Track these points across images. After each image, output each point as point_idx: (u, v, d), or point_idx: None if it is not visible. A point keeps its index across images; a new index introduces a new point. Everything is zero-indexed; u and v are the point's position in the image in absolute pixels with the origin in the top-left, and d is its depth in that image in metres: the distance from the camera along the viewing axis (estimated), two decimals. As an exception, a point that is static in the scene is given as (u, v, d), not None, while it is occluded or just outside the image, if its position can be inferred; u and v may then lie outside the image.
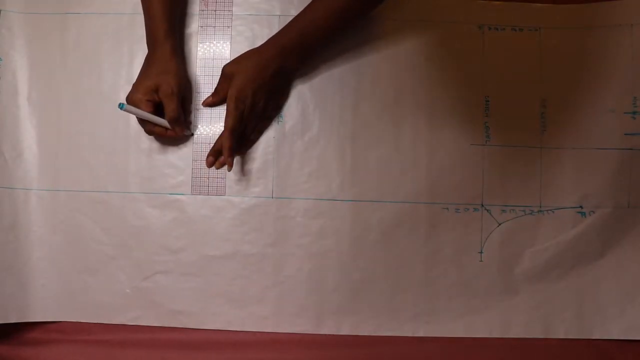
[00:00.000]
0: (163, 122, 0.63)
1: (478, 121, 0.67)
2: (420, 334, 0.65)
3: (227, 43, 0.68)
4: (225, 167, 0.63)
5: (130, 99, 0.62)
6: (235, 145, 0.63)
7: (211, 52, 0.69)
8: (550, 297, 0.65)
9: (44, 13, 0.69)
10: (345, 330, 0.66)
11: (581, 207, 0.66)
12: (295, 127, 0.68)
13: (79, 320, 0.67)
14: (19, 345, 0.67)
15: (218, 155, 0.66)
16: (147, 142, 0.68)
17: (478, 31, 0.68)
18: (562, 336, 0.64)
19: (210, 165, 0.66)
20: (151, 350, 0.66)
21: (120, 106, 0.60)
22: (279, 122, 0.68)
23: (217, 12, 0.69)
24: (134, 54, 0.68)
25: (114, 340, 0.67)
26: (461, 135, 0.67)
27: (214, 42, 0.69)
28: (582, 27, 0.68)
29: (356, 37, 0.68)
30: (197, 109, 0.68)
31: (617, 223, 0.66)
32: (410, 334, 0.65)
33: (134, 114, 0.62)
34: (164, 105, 0.62)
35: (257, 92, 0.62)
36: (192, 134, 0.68)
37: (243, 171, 0.67)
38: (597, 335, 0.64)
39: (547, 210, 0.66)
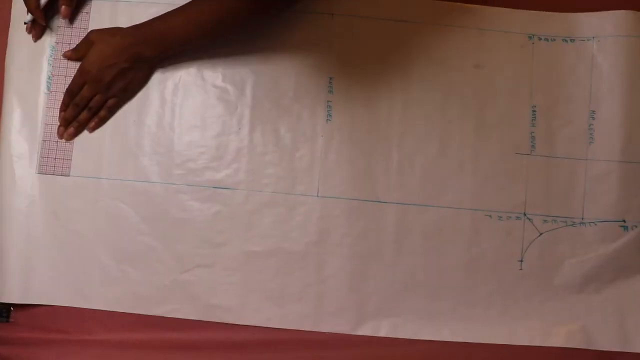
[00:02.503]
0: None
1: (524, 130, 0.68)
2: (459, 339, 0.65)
3: None
4: None
5: None
6: (73, 113, 0.67)
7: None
8: (589, 308, 0.66)
9: None
10: (383, 332, 0.66)
11: (624, 221, 0.66)
12: (343, 127, 0.68)
13: (117, 310, 0.66)
14: (19, 345, 0.66)
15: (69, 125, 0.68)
16: (193, 133, 0.68)
17: (528, 41, 0.69)
18: (605, 348, 0.65)
19: (59, 135, 0.68)
20: (151, 350, 0.66)
21: None
22: (328, 121, 0.68)
23: None
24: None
25: (114, 340, 0.66)
26: (507, 143, 0.68)
27: None
28: (637, 36, 0.68)
29: (401, 41, 0.68)
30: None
31: (659, 239, 0.66)
32: (449, 339, 0.65)
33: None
34: None
35: (106, 70, 0.64)
36: (45, 25, 0.68)
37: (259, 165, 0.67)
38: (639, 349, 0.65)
39: (589, 222, 0.67)
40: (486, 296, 0.66)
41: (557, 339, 0.65)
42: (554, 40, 0.69)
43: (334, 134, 0.68)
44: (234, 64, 0.69)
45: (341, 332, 0.66)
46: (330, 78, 0.68)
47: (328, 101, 0.68)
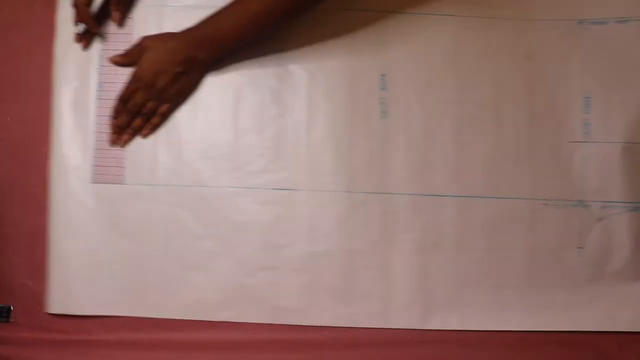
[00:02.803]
0: None
1: (578, 117, 0.68)
2: (526, 327, 0.66)
3: None
4: None
5: None
6: (127, 120, 0.66)
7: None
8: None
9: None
10: (452, 325, 0.66)
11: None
12: (398, 123, 0.68)
13: (181, 318, 0.66)
14: (19, 345, 0.66)
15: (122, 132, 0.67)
16: (249, 135, 0.67)
17: (577, 26, 0.69)
18: None
19: (112, 142, 0.67)
20: (151, 350, 0.66)
21: None
22: (383, 118, 0.68)
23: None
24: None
25: (114, 340, 0.66)
26: (561, 131, 0.68)
27: None
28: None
29: (451, 36, 0.68)
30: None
31: None
32: (516, 328, 0.66)
33: None
34: None
35: (160, 76, 0.64)
36: (99, 34, 0.67)
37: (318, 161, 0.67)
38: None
39: (650, 206, 0.67)
40: (549, 284, 0.66)
41: (622, 324, 0.66)
42: (606, 23, 0.69)
43: (390, 130, 0.67)
44: (287, 64, 0.68)
45: (410, 328, 0.66)
46: (383, 75, 0.68)
47: (382, 98, 0.68)
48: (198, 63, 0.65)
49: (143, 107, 0.66)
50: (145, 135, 0.67)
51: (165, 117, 0.67)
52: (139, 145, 0.68)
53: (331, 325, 0.66)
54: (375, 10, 0.69)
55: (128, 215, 0.67)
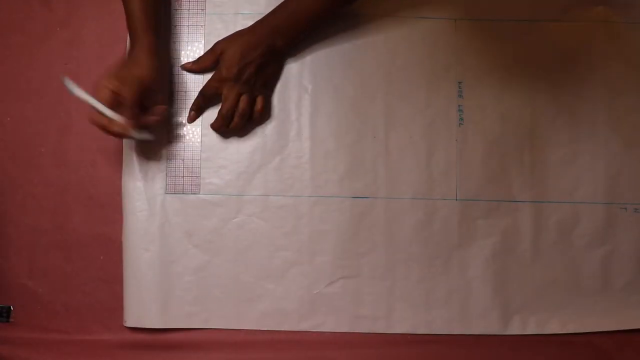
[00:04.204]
0: (108, 112, 0.57)
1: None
2: (603, 328, 0.66)
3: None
4: None
5: (97, 82, 0.59)
6: (223, 123, 0.65)
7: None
8: None
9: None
10: (531, 329, 0.66)
11: None
12: (475, 129, 0.68)
13: (259, 329, 0.65)
14: (19, 345, 0.66)
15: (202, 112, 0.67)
16: (328, 144, 0.67)
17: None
18: None
19: (189, 119, 0.67)
20: (151, 350, 0.66)
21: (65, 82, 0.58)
22: (460, 125, 0.68)
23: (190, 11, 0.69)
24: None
25: (114, 340, 0.66)
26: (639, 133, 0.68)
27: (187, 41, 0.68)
28: None
29: (527, 41, 0.68)
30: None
31: None
32: (594, 330, 0.66)
33: (76, 94, 0.58)
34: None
35: (245, 68, 0.64)
36: (151, 139, 0.63)
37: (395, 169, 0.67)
38: None
39: None
40: (625, 287, 0.67)
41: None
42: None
43: (467, 137, 0.68)
44: (364, 73, 0.68)
45: (490, 334, 0.66)
46: (459, 82, 0.68)
47: (459, 105, 0.68)
48: (277, 51, 0.65)
49: (237, 104, 0.65)
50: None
51: (263, 114, 0.66)
52: (213, 154, 0.67)
53: (411, 332, 0.66)
54: (447, 18, 0.69)
55: (204, 226, 0.66)
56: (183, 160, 0.67)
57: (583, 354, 0.66)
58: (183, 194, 0.66)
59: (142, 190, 0.66)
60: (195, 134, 0.67)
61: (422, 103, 0.68)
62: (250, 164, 0.67)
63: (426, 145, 0.67)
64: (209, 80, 0.65)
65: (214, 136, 0.67)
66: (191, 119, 0.67)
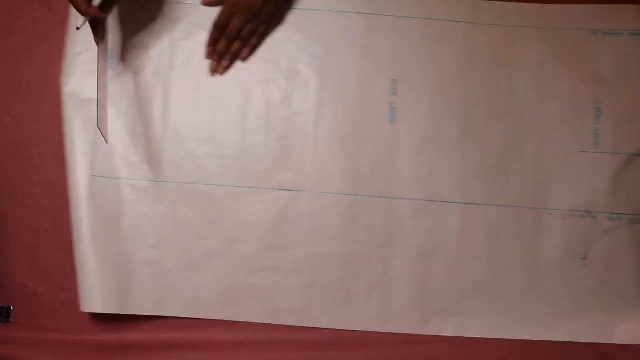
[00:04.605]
0: None
1: (587, 128, 0.67)
2: (524, 336, 0.66)
3: None
4: None
5: None
6: (226, 45, 0.67)
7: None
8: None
9: None
10: (448, 331, 0.66)
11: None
12: (406, 128, 0.67)
13: (179, 316, 0.66)
14: (18, 345, 0.66)
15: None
16: (256, 136, 0.67)
17: (592, 37, 0.68)
18: None
19: (213, 70, 0.68)
20: (151, 350, 0.66)
21: None
22: (391, 122, 0.67)
23: None
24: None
25: (114, 340, 0.66)
26: (570, 141, 0.67)
27: None
28: None
29: (463, 43, 0.67)
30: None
31: None
32: (514, 337, 0.66)
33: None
34: None
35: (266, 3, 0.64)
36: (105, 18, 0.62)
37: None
38: None
39: (657, 219, 0.67)
40: (549, 295, 0.66)
41: (621, 337, 0.66)
42: (621, 34, 0.67)
43: (398, 135, 0.67)
44: (297, 65, 0.68)
45: (406, 333, 0.66)
46: (394, 80, 0.67)
47: (392, 103, 0.67)
48: None
49: (241, 31, 0.66)
50: (244, 59, 0.68)
51: (263, 37, 0.68)
52: (143, 141, 0.67)
53: (329, 327, 0.66)
54: (389, 15, 0.68)
55: (130, 211, 0.66)
56: (111, 145, 0.66)
57: (584, 354, 0.66)
58: (109, 177, 0.66)
59: (76, 171, 0.66)
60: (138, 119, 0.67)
61: (354, 98, 0.67)
62: (180, 153, 0.67)
63: (355, 141, 0.67)
64: (222, 9, 0.66)
65: (158, 121, 0.67)
66: (209, 55, 0.68)
